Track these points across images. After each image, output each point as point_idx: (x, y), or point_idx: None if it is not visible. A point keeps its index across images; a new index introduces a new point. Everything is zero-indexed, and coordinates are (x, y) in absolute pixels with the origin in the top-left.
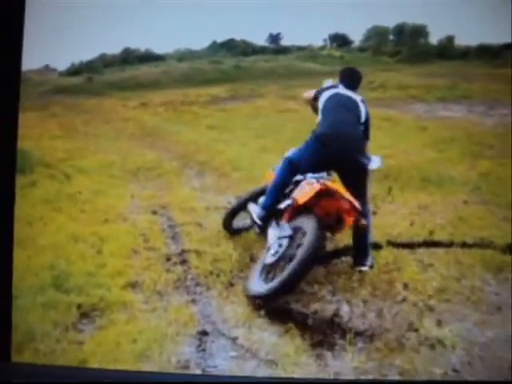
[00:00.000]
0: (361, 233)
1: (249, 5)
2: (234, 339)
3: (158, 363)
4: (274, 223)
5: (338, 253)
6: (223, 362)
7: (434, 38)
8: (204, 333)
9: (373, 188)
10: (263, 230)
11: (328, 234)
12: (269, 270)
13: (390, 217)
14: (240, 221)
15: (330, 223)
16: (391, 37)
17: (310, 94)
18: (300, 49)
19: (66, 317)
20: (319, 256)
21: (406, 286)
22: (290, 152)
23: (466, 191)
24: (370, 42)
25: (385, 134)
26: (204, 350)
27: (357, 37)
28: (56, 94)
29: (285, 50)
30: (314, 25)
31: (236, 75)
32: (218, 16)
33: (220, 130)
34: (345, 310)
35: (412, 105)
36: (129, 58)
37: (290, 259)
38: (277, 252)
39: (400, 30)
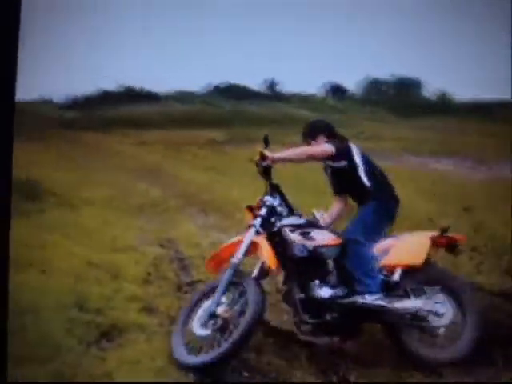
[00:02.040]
0: None
1: (246, 50)
2: (245, 361)
3: (176, 379)
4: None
5: None
6: (236, 381)
7: (428, 92)
8: None
9: None
10: None
11: None
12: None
13: None
14: None
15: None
16: (386, 88)
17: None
18: (295, 95)
19: (88, 335)
20: None
21: None
22: None
23: None
24: (365, 93)
25: None
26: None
27: (352, 86)
28: (53, 126)
29: (280, 96)
30: (309, 73)
31: (232, 119)
32: (214, 59)
33: (219, 172)
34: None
35: (404, 156)
36: (125, 95)
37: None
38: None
39: (395, 82)
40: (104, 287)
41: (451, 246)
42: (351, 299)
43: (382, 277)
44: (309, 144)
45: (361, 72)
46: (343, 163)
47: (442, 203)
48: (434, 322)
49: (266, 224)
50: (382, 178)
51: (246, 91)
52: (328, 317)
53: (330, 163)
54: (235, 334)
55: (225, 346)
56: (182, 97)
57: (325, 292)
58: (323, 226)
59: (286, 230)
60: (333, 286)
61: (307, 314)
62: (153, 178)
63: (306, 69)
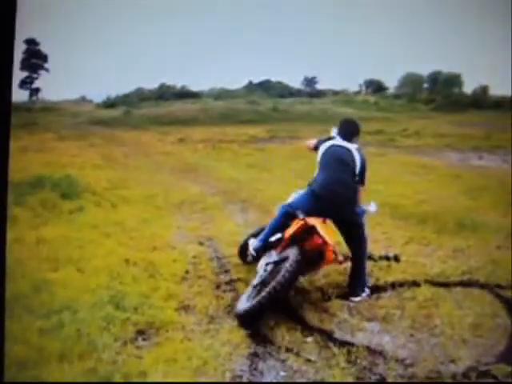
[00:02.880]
0: (352, 265)
1: (286, 47)
2: (284, 361)
3: (213, 378)
4: (267, 254)
5: (379, 287)
6: (274, 380)
7: (468, 88)
8: (255, 354)
9: (409, 231)
10: (256, 260)
11: None
12: (253, 292)
13: (426, 258)
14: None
15: (313, 256)
16: (426, 85)
17: (311, 143)
18: (335, 93)
19: (124, 332)
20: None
21: (443, 321)
22: (291, 198)
23: (499, 237)
24: (405, 89)
25: (420, 180)
26: (255, 368)
27: (392, 83)
28: (93, 125)
29: (320, 94)
30: (349, 70)
31: (273, 117)
32: (254, 57)
33: (259, 169)
34: (386, 339)
35: (446, 153)
36: (165, 93)
37: (271, 282)
38: (261, 276)
39: (435, 78)
40: (141, 285)
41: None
42: None
43: None
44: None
45: (402, 69)
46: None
47: (484, 199)
48: None
49: None
50: (332, 185)
51: (287, 89)
52: None
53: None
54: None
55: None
56: (223, 94)
57: None
58: None
59: None
60: None
61: None
62: (193, 176)
63: (346, 66)
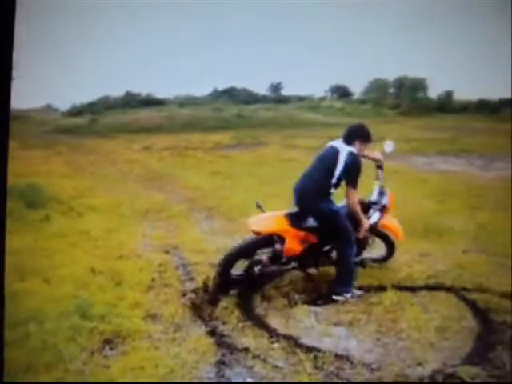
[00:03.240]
0: (337, 263)
1: (250, 54)
2: (251, 368)
3: None
4: None
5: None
6: None
7: (433, 92)
8: (222, 362)
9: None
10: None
11: None
12: None
13: (393, 263)
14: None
15: None
16: (391, 90)
17: None
18: (301, 99)
19: (91, 342)
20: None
21: (409, 325)
22: None
23: (465, 241)
24: (371, 95)
25: (386, 185)
26: (223, 376)
27: (357, 89)
28: (59, 133)
29: (285, 100)
30: (314, 76)
31: (238, 123)
32: (219, 63)
33: (224, 176)
34: (353, 344)
35: (412, 157)
36: (131, 101)
37: None
38: None
39: (400, 83)
40: (108, 294)
41: None
42: None
43: None
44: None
45: (366, 74)
46: None
47: (450, 203)
48: None
49: None
50: (302, 179)
51: (252, 95)
52: None
53: None
54: None
55: None
56: (188, 102)
57: None
58: None
59: None
60: None
61: None
62: (158, 184)
63: (311, 72)
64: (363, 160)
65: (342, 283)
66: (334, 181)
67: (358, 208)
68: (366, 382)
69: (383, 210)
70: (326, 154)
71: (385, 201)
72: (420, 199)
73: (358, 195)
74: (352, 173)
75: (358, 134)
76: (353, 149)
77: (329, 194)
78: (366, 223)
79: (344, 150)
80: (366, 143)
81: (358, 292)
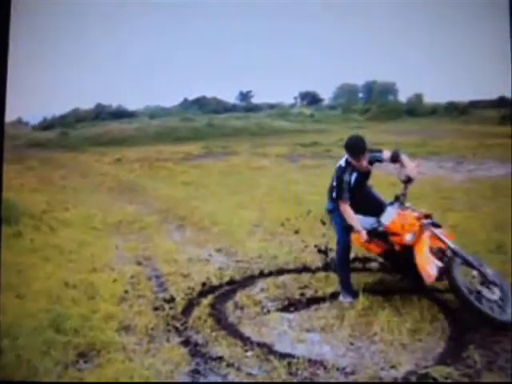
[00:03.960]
0: None
1: (219, 63)
2: (225, 376)
3: None
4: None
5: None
6: None
7: (402, 96)
8: (196, 371)
9: None
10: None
11: None
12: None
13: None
14: None
15: None
16: (360, 95)
17: None
18: (271, 107)
19: (65, 356)
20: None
21: (382, 328)
22: None
23: None
24: (340, 100)
25: None
26: None
27: (326, 95)
28: (30, 147)
29: (256, 108)
30: (284, 83)
31: (208, 133)
32: (188, 73)
33: (195, 186)
34: (326, 349)
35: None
36: (101, 113)
37: None
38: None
39: (369, 87)
40: (81, 307)
41: None
42: None
43: None
44: (359, 160)
45: (335, 79)
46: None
47: (420, 205)
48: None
49: None
50: None
51: (222, 104)
52: None
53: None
54: None
55: None
56: (158, 112)
57: None
58: None
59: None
60: None
61: None
62: (130, 196)
63: (280, 79)
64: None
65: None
66: (334, 194)
67: (349, 219)
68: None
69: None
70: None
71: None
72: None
73: (345, 206)
74: (336, 184)
75: (346, 148)
76: (342, 162)
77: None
78: (363, 234)
79: (339, 164)
80: (358, 155)
81: (346, 299)
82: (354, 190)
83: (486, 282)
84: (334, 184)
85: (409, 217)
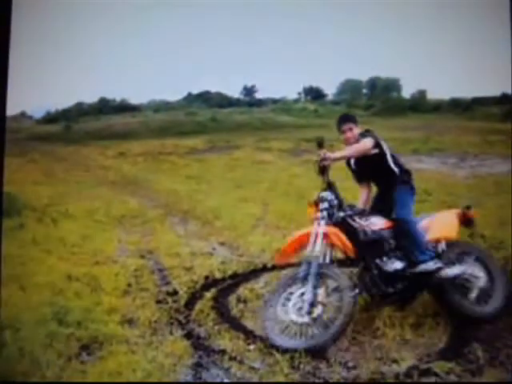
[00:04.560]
0: None
1: (223, 58)
2: (227, 369)
3: None
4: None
5: None
6: None
7: (406, 92)
8: (199, 364)
9: None
10: None
11: None
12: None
13: None
14: None
15: None
16: (364, 90)
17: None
18: (274, 101)
19: (68, 348)
20: None
21: (384, 323)
22: None
23: None
24: (344, 96)
25: None
26: (200, 378)
27: (330, 90)
28: (33, 140)
29: (259, 103)
30: (288, 78)
31: (212, 127)
32: (192, 68)
33: (199, 180)
34: None
35: None
36: (105, 107)
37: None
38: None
39: (373, 83)
40: (84, 300)
41: (468, 221)
42: (418, 268)
43: (431, 248)
44: (342, 132)
45: (339, 75)
46: (375, 151)
47: (424, 202)
48: (475, 282)
49: (329, 216)
50: (402, 164)
51: (226, 99)
52: (399, 285)
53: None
54: (333, 328)
55: (323, 337)
56: (162, 107)
57: (397, 264)
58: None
59: (349, 218)
60: (401, 260)
61: (387, 285)
62: (133, 189)
63: (284, 75)
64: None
65: None
66: None
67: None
68: (343, 383)
69: None
70: None
71: None
72: None
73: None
74: None
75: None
76: None
77: None
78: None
79: None
80: (339, 127)
81: None
82: (359, 174)
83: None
84: None
85: None
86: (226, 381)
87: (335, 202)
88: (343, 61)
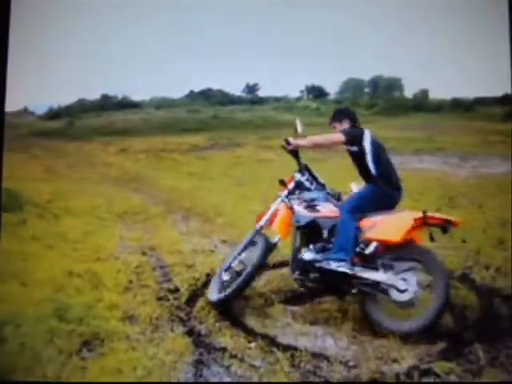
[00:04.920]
0: None
1: (226, 55)
2: (228, 367)
3: None
4: None
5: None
6: None
7: (408, 92)
8: (200, 361)
9: None
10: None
11: None
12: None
13: None
14: None
15: None
16: (367, 89)
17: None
18: (277, 100)
19: (69, 344)
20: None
21: None
22: None
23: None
24: (346, 94)
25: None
26: (200, 375)
27: (333, 89)
28: (36, 136)
29: (261, 101)
30: (290, 76)
31: (214, 124)
32: (194, 65)
33: (201, 178)
34: (329, 342)
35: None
36: (107, 104)
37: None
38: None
39: (375, 82)
40: (85, 296)
41: (443, 227)
42: (322, 264)
43: (357, 248)
44: (334, 127)
45: (342, 74)
46: (355, 148)
47: (425, 201)
48: (394, 296)
49: (292, 196)
50: (388, 166)
51: (228, 96)
52: (311, 276)
53: (348, 147)
54: (239, 280)
55: (232, 287)
56: (164, 104)
57: (307, 255)
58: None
59: (293, 202)
60: (317, 251)
61: (296, 271)
62: (135, 186)
63: (286, 73)
64: None
65: None
66: None
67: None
68: (343, 382)
69: None
70: None
71: None
72: None
73: None
74: None
75: (347, 115)
76: None
77: None
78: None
79: None
80: (330, 121)
81: None
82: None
83: None
84: None
85: None
86: (226, 380)
87: (306, 183)
88: (346, 60)
